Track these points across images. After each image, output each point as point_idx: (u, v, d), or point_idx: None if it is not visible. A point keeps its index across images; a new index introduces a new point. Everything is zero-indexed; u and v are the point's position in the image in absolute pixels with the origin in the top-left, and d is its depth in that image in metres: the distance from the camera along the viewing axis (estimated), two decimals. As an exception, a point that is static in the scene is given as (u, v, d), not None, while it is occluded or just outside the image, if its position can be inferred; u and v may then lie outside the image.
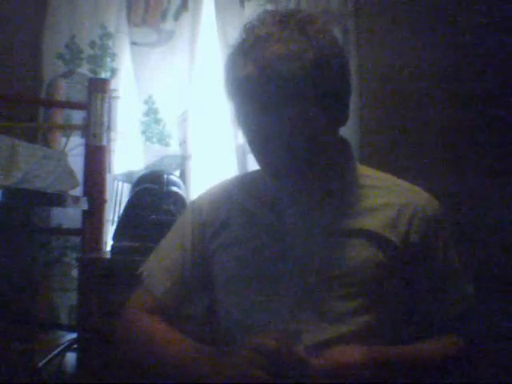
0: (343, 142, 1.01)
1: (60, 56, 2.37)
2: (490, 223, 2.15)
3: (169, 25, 2.38)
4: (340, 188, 0.97)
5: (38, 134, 2.29)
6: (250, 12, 2.33)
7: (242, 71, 0.86)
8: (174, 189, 2.07)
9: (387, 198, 0.97)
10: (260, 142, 0.90)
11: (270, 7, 2.35)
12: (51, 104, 2.35)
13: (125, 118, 2.34)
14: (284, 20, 0.88)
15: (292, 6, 2.33)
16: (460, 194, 2.16)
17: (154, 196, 2.01)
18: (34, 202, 1.96)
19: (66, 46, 2.38)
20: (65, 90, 2.35)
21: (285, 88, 0.84)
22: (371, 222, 0.94)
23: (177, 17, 2.37)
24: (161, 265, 1.05)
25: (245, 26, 0.91)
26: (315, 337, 0.89)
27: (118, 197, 2.28)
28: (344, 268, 0.92)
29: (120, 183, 2.31)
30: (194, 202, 1.10)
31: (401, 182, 1.03)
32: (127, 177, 2.30)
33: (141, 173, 2.19)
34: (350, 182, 0.98)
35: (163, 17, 2.38)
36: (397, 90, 2.30)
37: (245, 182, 1.06)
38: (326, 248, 0.93)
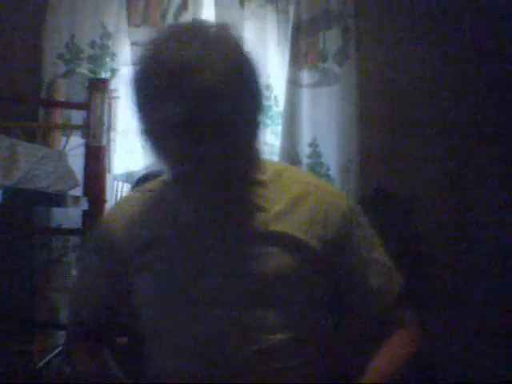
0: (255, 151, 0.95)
1: (60, 56, 2.37)
2: (492, 223, 2.15)
3: (169, 25, 2.38)
4: (246, 192, 0.94)
5: (38, 134, 2.29)
6: (250, 12, 2.34)
7: (151, 72, 0.84)
8: (174, 189, 2.07)
9: (298, 199, 0.95)
10: (166, 142, 0.90)
11: (269, 7, 2.36)
12: (51, 104, 2.35)
13: (125, 118, 2.34)
14: (192, 35, 0.84)
15: (292, 6, 2.34)
16: (459, 195, 2.16)
17: (153, 196, 2.01)
18: (34, 202, 1.96)
19: (66, 46, 2.38)
20: (65, 90, 2.35)
21: (196, 97, 0.81)
22: (284, 226, 0.92)
23: (177, 17, 2.38)
24: (78, 295, 1.08)
25: (152, 41, 0.87)
26: (241, 348, 0.88)
27: (117, 197, 2.28)
28: (263, 279, 0.90)
29: (120, 183, 2.30)
30: (102, 222, 1.07)
31: (312, 179, 1.03)
32: (127, 177, 2.30)
33: (141, 173, 2.18)
34: (255, 186, 0.95)
35: (163, 17, 2.38)
36: (397, 90, 2.30)
37: (158, 198, 1.01)
38: (241, 258, 0.91)
